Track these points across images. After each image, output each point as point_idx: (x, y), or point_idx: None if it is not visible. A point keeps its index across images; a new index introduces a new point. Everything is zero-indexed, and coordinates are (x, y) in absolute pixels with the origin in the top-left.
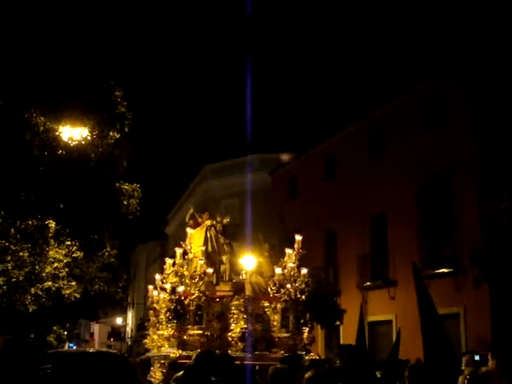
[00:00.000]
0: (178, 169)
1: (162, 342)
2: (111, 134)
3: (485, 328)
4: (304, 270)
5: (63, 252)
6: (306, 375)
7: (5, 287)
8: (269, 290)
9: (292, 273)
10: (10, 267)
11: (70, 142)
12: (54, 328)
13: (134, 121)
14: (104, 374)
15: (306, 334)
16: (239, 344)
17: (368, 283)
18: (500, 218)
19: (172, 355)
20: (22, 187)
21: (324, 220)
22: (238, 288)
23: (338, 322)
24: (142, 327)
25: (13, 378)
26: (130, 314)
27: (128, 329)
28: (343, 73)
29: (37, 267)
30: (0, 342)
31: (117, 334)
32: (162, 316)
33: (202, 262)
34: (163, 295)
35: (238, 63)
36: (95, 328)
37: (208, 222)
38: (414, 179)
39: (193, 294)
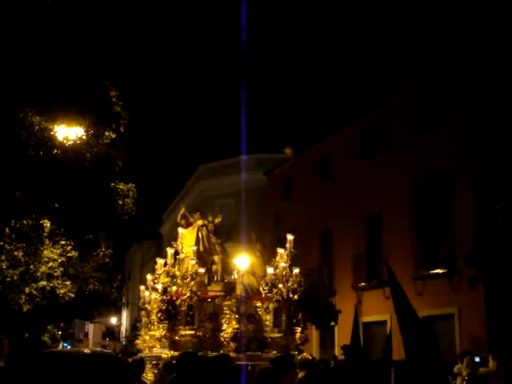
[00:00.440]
0: (174, 168)
1: (153, 343)
2: (106, 133)
3: (480, 328)
4: (296, 270)
5: (58, 251)
6: (299, 375)
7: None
8: (261, 289)
9: (284, 272)
10: (4, 266)
11: (65, 141)
12: (49, 327)
13: (130, 121)
14: (97, 375)
15: (298, 334)
16: (231, 344)
17: (363, 283)
18: (495, 218)
19: (164, 356)
20: (17, 186)
21: (319, 220)
22: (230, 288)
23: (332, 323)
24: (136, 327)
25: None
26: (124, 314)
27: (122, 329)
28: (339, 74)
29: (31, 267)
30: None
31: (111, 333)
32: (153, 316)
33: (194, 262)
34: (154, 295)
35: (234, 63)
36: (89, 328)
37: (199, 222)
38: (410, 179)
39: (184, 295)
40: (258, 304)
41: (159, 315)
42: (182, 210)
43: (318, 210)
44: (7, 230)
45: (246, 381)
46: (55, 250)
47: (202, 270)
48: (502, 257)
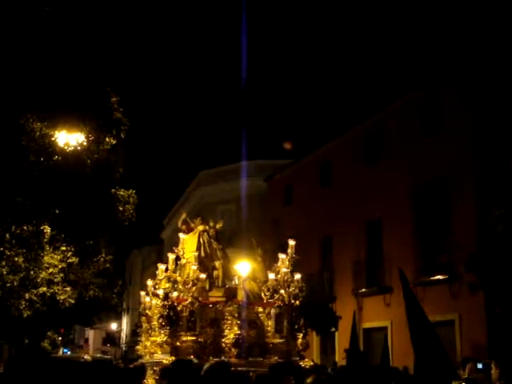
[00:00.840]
0: (174, 174)
1: (154, 349)
2: (107, 139)
3: (480, 335)
4: (298, 276)
5: (58, 257)
6: (307, 381)
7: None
8: (262, 295)
9: (286, 278)
10: (4, 272)
11: (66, 147)
12: (49, 333)
13: (130, 127)
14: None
15: (300, 340)
16: (233, 350)
17: (363, 289)
18: (495, 224)
19: (165, 362)
20: (17, 192)
21: (319, 226)
22: (231, 294)
23: (333, 329)
24: (136, 333)
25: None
26: (124, 320)
27: (123, 334)
28: (339, 79)
29: (32, 272)
30: None
31: (111, 339)
32: (154, 322)
33: (195, 267)
34: (155, 301)
35: (234, 69)
36: (90, 334)
37: (201, 227)
38: (410, 185)
39: (186, 300)
40: (260, 310)
41: (160, 321)
42: (183, 216)
43: (319, 215)
44: (7, 235)
45: None
46: (55, 256)
47: (203, 276)
48: (503, 263)
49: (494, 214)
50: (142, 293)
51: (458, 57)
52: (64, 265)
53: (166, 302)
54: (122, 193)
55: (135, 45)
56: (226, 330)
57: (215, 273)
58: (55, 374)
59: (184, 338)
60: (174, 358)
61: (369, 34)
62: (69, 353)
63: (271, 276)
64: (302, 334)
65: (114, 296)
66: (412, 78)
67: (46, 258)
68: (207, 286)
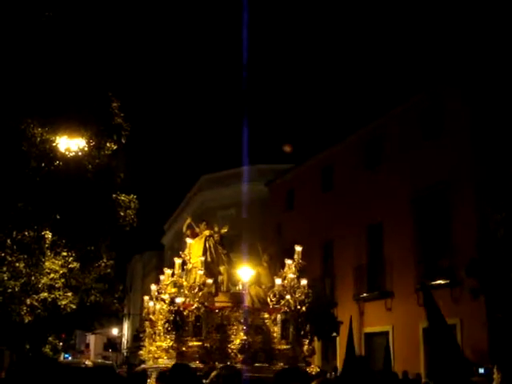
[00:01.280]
0: (175, 179)
1: (159, 354)
2: (108, 145)
3: (481, 340)
4: (304, 281)
5: (59, 263)
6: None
7: (0, 298)
8: (268, 300)
9: (292, 284)
10: (5, 278)
11: (66, 152)
12: (50, 339)
13: (131, 132)
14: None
15: (306, 346)
16: (239, 356)
17: (364, 294)
18: (497, 228)
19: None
20: (18, 198)
21: (321, 230)
22: (237, 299)
23: (334, 334)
24: (137, 338)
25: None
26: (125, 325)
27: (124, 340)
28: (340, 84)
29: (33, 278)
30: None
31: (113, 344)
32: (159, 327)
33: (202, 272)
34: (159, 306)
35: (235, 74)
36: (91, 339)
37: (207, 232)
38: (411, 190)
39: (192, 305)
40: (266, 315)
41: (166, 326)
42: (188, 220)
43: (320, 220)
44: (9, 241)
45: None
46: (57, 262)
47: (210, 281)
48: (504, 267)
49: (494, 219)
50: (146, 297)
51: (458, 61)
52: (65, 270)
53: (172, 307)
54: (123, 198)
55: (136, 50)
56: (232, 336)
57: (220, 278)
58: (58, 379)
59: (190, 344)
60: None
61: (370, 38)
62: (70, 358)
63: (278, 281)
64: (307, 340)
65: (114, 301)
66: (412, 82)
67: (47, 263)
68: (213, 291)
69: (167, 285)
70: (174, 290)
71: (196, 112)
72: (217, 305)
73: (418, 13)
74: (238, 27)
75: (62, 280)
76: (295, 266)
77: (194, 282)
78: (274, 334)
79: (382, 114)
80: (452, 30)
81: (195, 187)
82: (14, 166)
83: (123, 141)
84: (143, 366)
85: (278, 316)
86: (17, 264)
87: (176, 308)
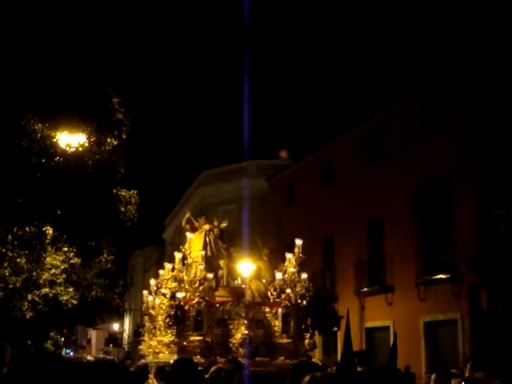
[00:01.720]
0: (176, 175)
1: (160, 348)
2: (109, 140)
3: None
4: (304, 275)
5: (60, 258)
6: (304, 380)
7: (2, 294)
8: (269, 295)
9: (292, 278)
10: (7, 273)
11: (67, 148)
12: (51, 334)
13: (132, 127)
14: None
15: (307, 340)
16: (240, 350)
17: (365, 289)
18: (497, 224)
19: (172, 362)
20: (19, 194)
21: (321, 226)
22: (237, 293)
23: (335, 328)
24: (139, 333)
25: None
26: (127, 320)
27: (125, 335)
28: (341, 79)
29: (34, 274)
30: None
31: (114, 340)
32: (159, 322)
33: (202, 266)
34: (159, 300)
35: (236, 70)
36: (92, 334)
37: (207, 227)
38: (411, 185)
39: (193, 300)
40: (267, 309)
41: (167, 321)
42: (187, 215)
43: (320, 215)
44: (10, 237)
45: None
46: (58, 257)
47: (210, 275)
48: (505, 262)
49: (495, 214)
50: (145, 292)
51: (458, 57)
52: (66, 266)
53: (172, 302)
54: (123, 193)
55: (136, 45)
56: (233, 330)
57: (220, 272)
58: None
59: (191, 338)
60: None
61: (370, 34)
62: (72, 353)
63: (278, 275)
64: (308, 334)
65: (115, 296)
66: (413, 78)
67: (48, 259)
68: (214, 286)
69: (168, 279)
70: (174, 284)
71: (196, 107)
72: (217, 299)
73: (417, 9)
74: (239, 18)
75: (63, 275)
76: (295, 260)
77: (195, 277)
78: (275, 328)
79: (383, 110)
80: (453, 25)
81: (196, 182)
82: (14, 162)
83: (124, 136)
84: (143, 360)
85: (279, 310)
86: (18, 260)
87: (177, 303)
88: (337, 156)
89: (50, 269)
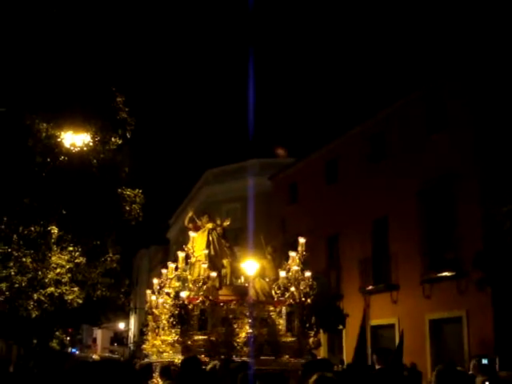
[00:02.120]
0: (180, 174)
1: (164, 348)
2: (113, 139)
3: (488, 331)
4: (308, 273)
5: (66, 258)
6: (311, 379)
7: (8, 293)
8: (273, 293)
9: (296, 276)
10: (12, 273)
11: (72, 148)
12: (57, 333)
13: (136, 126)
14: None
15: (311, 339)
16: (244, 349)
17: (370, 287)
18: (502, 221)
19: (177, 361)
20: (24, 193)
21: (326, 224)
22: (241, 292)
23: (340, 327)
24: (144, 332)
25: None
26: (132, 319)
27: (130, 334)
28: (344, 77)
29: (39, 273)
30: (2, 348)
31: (119, 339)
32: (163, 321)
33: (206, 265)
34: (161, 300)
35: (240, 68)
36: (98, 333)
37: (210, 225)
38: (416, 183)
39: (197, 299)
40: (271, 308)
41: (171, 320)
42: (190, 214)
43: (324, 214)
44: (15, 236)
45: None
46: (63, 256)
47: (214, 274)
48: (510, 259)
49: (500, 211)
50: (148, 291)
51: (460, 56)
52: (71, 265)
53: (176, 301)
54: (128, 192)
55: (140, 45)
56: (237, 329)
57: (223, 271)
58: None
59: (195, 337)
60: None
61: (374, 32)
62: (77, 352)
63: (282, 274)
64: (313, 333)
65: (121, 296)
66: (415, 77)
67: (53, 258)
68: (217, 285)
69: (171, 279)
70: (178, 283)
71: (201, 106)
72: (221, 298)
73: (420, 7)
74: (242, 19)
75: (69, 275)
76: (299, 258)
77: (199, 276)
78: (280, 327)
79: (387, 108)
80: (454, 24)
81: (200, 181)
82: (19, 162)
83: (128, 135)
84: (147, 359)
85: (283, 308)
86: (23, 259)
87: (181, 302)
88: (341, 154)
89: (56, 268)
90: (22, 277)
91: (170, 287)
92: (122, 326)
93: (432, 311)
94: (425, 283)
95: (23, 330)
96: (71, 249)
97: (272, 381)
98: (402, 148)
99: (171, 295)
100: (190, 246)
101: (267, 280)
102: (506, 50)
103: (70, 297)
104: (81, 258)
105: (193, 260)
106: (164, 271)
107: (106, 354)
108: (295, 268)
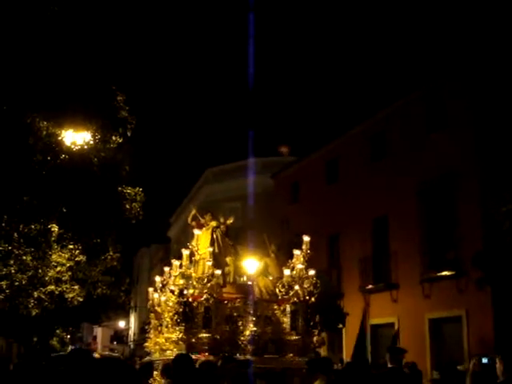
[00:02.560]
0: (181, 172)
1: (167, 346)
2: (114, 138)
3: (487, 330)
4: (312, 272)
5: (66, 256)
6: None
7: (8, 291)
8: (277, 291)
9: (300, 274)
10: (13, 271)
11: (72, 146)
12: (57, 331)
13: (137, 125)
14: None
15: (315, 337)
16: (248, 347)
17: (370, 286)
18: (502, 220)
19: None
20: (24, 191)
21: (327, 223)
22: (244, 290)
23: (340, 325)
24: (145, 330)
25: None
26: (132, 318)
27: (131, 332)
28: (345, 76)
29: (40, 271)
30: (3, 346)
31: (119, 337)
32: (167, 319)
33: (210, 263)
34: (164, 297)
35: (240, 66)
36: (98, 331)
37: (214, 223)
38: (416, 182)
39: (201, 297)
40: (275, 306)
41: (175, 317)
42: (193, 211)
43: (325, 213)
44: (15, 234)
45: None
46: (63, 255)
47: (218, 272)
48: (509, 259)
49: (499, 210)
50: (150, 289)
51: (460, 54)
52: (72, 263)
53: (181, 299)
54: (128, 191)
55: (141, 43)
56: (242, 327)
57: (226, 269)
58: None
59: (200, 335)
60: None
61: (374, 32)
62: None
63: (286, 272)
64: (317, 331)
65: (121, 294)
66: (416, 76)
67: (53, 256)
68: (221, 283)
69: (176, 276)
70: (182, 281)
71: (201, 104)
72: (225, 296)
73: (420, 6)
74: (243, 20)
75: (69, 273)
76: (303, 257)
77: (203, 273)
78: (284, 325)
79: (387, 107)
80: (455, 23)
81: (201, 180)
82: (19, 160)
83: (129, 134)
84: (148, 357)
85: (288, 307)
86: (24, 257)
87: (185, 300)
88: (341, 153)
89: (56, 266)
90: (23, 275)
91: (174, 285)
92: (122, 324)
93: (432, 310)
94: (425, 282)
95: (23, 328)
96: (71, 247)
97: (273, 379)
98: (403, 147)
99: (175, 293)
100: (194, 243)
101: (271, 278)
102: (506, 50)
103: (71, 295)
104: (81, 256)
105: (197, 257)
106: (167, 269)
107: (106, 353)
108: (299, 266)
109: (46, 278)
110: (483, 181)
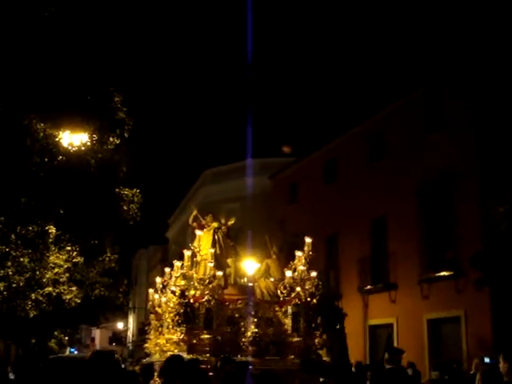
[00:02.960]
0: (179, 173)
1: (168, 347)
2: (111, 139)
3: (486, 331)
4: (313, 273)
5: (64, 257)
6: None
7: (5, 293)
8: (279, 293)
9: (302, 276)
10: (10, 273)
11: (69, 147)
12: (55, 333)
13: (134, 126)
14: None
15: (317, 339)
16: (250, 348)
17: (369, 287)
18: (500, 221)
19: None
20: (22, 193)
21: (325, 224)
22: (246, 291)
23: (338, 326)
24: (143, 332)
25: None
26: (131, 319)
27: (129, 333)
28: (343, 77)
29: (37, 273)
30: (1, 348)
31: (118, 338)
32: (167, 320)
33: (212, 264)
34: (165, 298)
35: (238, 68)
36: (96, 333)
37: (215, 224)
38: (414, 182)
39: (203, 298)
40: (277, 308)
41: (176, 318)
42: (195, 212)
43: (324, 213)
44: (13, 236)
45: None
46: (61, 256)
47: (220, 273)
48: (508, 259)
49: (498, 211)
50: (151, 290)
51: (460, 54)
52: (69, 264)
53: (182, 300)
54: (126, 192)
55: (138, 44)
56: (243, 328)
57: (227, 270)
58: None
59: (201, 336)
60: (190, 356)
61: (372, 32)
62: (76, 352)
63: (288, 273)
64: (319, 333)
65: (119, 295)
66: (414, 76)
67: (51, 258)
68: (223, 284)
69: (177, 277)
70: (183, 282)
71: (199, 105)
72: (227, 297)
73: (418, 6)
74: (242, 20)
75: (67, 274)
76: (305, 258)
77: (204, 275)
78: (285, 327)
79: (385, 108)
80: (454, 23)
81: (199, 181)
82: (17, 162)
83: (126, 135)
84: (148, 359)
85: (289, 308)
86: (21, 259)
87: (187, 301)
88: (340, 154)
89: (54, 268)
90: (20, 276)
91: (175, 286)
92: (120, 325)
93: (430, 311)
94: (423, 283)
95: (21, 330)
96: (69, 248)
97: (266, 381)
98: (402, 148)
99: (176, 294)
100: (196, 244)
101: (272, 280)
102: (506, 50)
103: (68, 296)
104: (79, 258)
105: (199, 258)
106: (167, 270)
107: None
108: (301, 268)
109: (44, 280)
110: (482, 181)
